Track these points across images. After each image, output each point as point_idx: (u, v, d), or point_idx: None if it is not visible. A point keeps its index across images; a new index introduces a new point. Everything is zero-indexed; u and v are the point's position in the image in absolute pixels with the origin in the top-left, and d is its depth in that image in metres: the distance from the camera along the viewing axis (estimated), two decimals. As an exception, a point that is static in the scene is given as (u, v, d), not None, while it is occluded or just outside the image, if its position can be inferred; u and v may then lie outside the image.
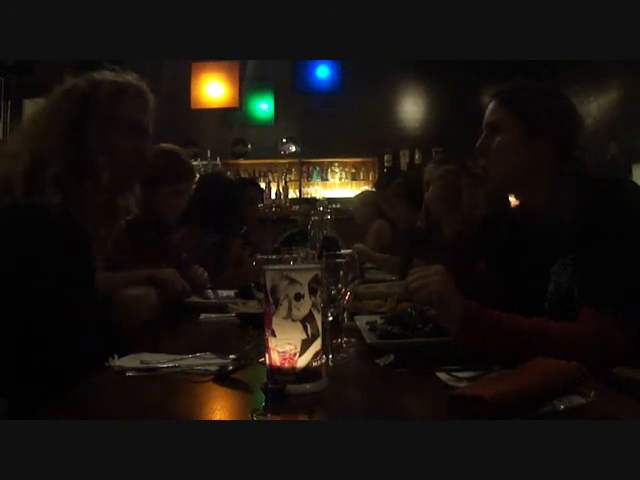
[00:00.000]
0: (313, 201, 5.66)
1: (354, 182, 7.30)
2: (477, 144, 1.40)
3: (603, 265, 1.15)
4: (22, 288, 1.10)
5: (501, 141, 1.33)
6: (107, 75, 1.36)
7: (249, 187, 3.87)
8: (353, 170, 7.35)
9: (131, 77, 1.39)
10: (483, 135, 1.38)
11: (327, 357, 1.08)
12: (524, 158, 1.31)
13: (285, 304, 0.89)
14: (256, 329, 1.24)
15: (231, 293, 2.02)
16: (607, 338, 1.09)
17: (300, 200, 6.72)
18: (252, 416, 0.85)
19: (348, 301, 1.19)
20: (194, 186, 2.31)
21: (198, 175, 2.91)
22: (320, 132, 6.97)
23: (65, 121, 1.26)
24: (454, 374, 0.98)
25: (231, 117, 7.33)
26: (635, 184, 1.28)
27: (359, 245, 3.02)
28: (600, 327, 1.09)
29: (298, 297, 0.89)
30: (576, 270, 1.22)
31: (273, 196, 7.08)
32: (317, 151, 7.18)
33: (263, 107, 7.34)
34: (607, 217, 1.17)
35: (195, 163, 6.37)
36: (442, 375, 0.98)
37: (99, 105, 1.30)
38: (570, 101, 1.36)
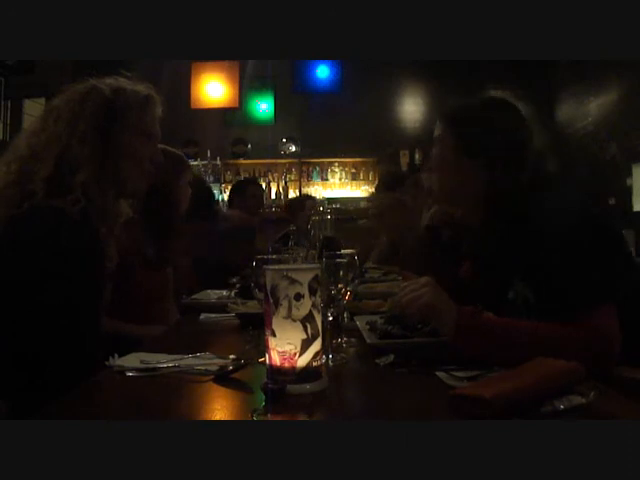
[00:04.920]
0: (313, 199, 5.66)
1: (354, 182, 7.29)
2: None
3: (569, 268, 1.13)
4: (32, 291, 1.10)
5: (436, 155, 1.38)
6: (125, 83, 1.36)
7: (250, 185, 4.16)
8: (353, 170, 7.34)
9: (145, 87, 1.39)
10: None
11: (327, 357, 1.08)
12: (453, 174, 1.34)
13: (285, 304, 0.89)
14: (256, 329, 1.24)
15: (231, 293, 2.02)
16: (602, 336, 1.08)
17: (302, 198, 6.71)
18: (252, 416, 0.85)
19: (348, 301, 1.19)
20: None
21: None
22: (320, 132, 6.95)
23: (91, 127, 1.25)
24: (454, 374, 0.97)
25: (231, 117, 7.32)
26: (567, 187, 1.30)
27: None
28: (594, 325, 1.09)
29: (298, 297, 0.89)
30: (530, 280, 1.21)
31: (273, 196, 7.08)
32: (317, 151, 7.17)
33: (263, 107, 7.34)
34: (546, 222, 1.17)
35: (195, 163, 6.38)
36: (442, 375, 0.98)
37: (124, 114, 1.30)
38: (522, 130, 1.33)
